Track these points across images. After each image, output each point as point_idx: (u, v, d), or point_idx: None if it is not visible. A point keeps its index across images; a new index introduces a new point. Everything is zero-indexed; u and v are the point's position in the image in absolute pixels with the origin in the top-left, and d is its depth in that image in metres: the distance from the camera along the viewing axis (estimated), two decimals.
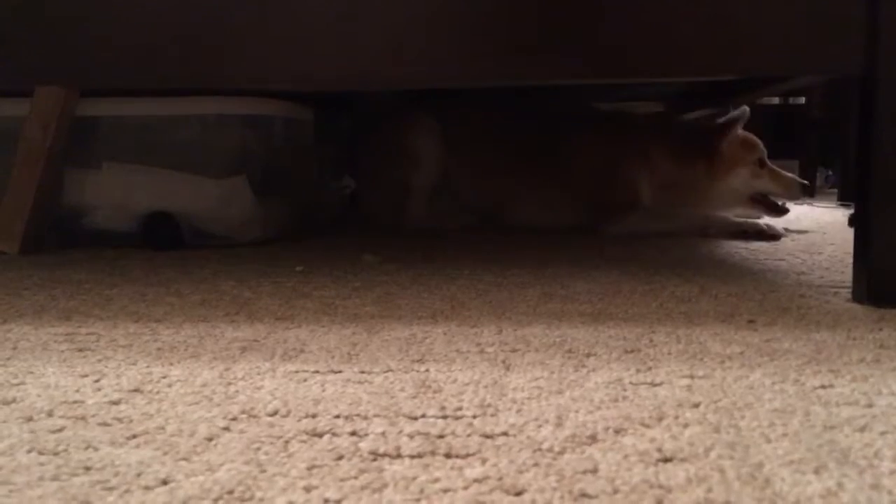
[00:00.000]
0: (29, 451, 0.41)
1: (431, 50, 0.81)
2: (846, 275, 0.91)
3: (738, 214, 1.56)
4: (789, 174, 1.59)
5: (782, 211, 1.56)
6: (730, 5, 0.78)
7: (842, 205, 2.23)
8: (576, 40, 0.79)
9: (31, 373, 0.56)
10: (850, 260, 0.82)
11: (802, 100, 3.00)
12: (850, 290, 0.82)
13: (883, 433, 0.42)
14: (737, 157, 1.52)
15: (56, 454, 0.41)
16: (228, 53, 0.82)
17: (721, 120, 1.55)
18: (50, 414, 0.47)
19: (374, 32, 0.80)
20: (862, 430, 0.43)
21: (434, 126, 1.61)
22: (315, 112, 1.52)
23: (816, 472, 0.37)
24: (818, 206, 2.28)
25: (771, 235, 1.41)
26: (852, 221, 1.70)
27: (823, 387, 0.51)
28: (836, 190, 2.67)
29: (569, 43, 0.79)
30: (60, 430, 0.44)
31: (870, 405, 0.47)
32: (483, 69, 0.82)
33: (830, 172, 3.07)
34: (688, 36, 0.79)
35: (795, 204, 2.38)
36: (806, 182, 1.61)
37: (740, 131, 1.55)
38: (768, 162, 1.56)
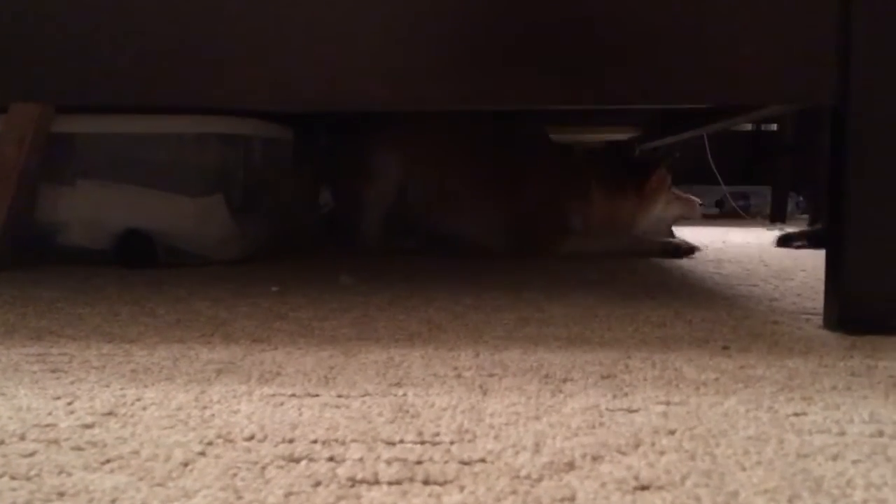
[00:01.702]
0: (1, 476, 0.40)
1: (410, 73, 0.82)
2: (817, 301, 0.92)
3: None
4: (688, 196, 1.82)
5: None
6: (704, 36, 0.79)
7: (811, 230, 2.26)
8: (553, 67, 0.80)
9: (3, 394, 0.55)
10: (821, 286, 0.84)
11: (775, 126, 3.05)
12: (821, 316, 0.83)
13: (855, 462, 0.43)
14: (659, 188, 1.70)
15: (28, 479, 0.40)
16: (207, 72, 0.82)
17: (652, 159, 1.76)
18: (22, 437, 0.46)
19: (356, 53, 0.80)
20: (835, 458, 0.43)
21: (394, 147, 1.64)
22: (294, 132, 1.52)
23: (790, 501, 0.38)
24: (789, 231, 2.30)
25: (687, 251, 1.58)
26: (781, 242, 1.87)
27: (797, 414, 0.51)
28: (806, 216, 2.70)
29: (546, 69, 0.80)
30: (32, 454, 0.44)
31: (842, 433, 0.48)
32: (461, 93, 0.83)
33: (801, 198, 3.11)
34: (662, 65, 0.80)
35: (767, 229, 2.41)
36: (700, 200, 1.86)
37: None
38: (674, 189, 1.77)
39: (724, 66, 0.80)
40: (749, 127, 3.29)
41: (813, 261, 1.50)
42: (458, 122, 1.65)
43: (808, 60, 0.79)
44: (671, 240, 1.67)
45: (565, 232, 1.60)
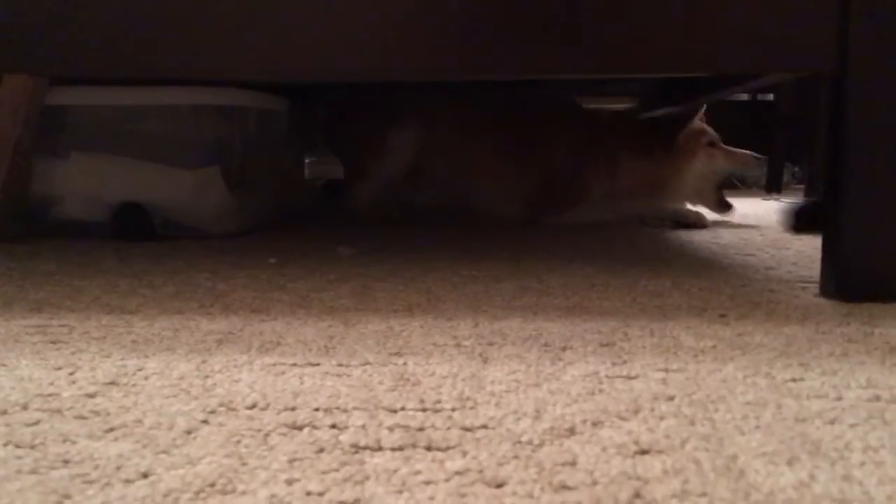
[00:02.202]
0: (5, 445, 0.40)
1: (408, 43, 0.81)
2: (813, 270, 0.92)
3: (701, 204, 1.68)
4: (741, 150, 1.68)
5: (729, 207, 1.69)
6: (702, 4, 0.79)
7: (809, 200, 2.26)
8: (553, 37, 0.80)
9: (4, 365, 0.55)
10: (817, 255, 0.84)
11: (771, 96, 3.04)
12: (817, 284, 0.84)
13: (852, 426, 0.43)
14: (691, 145, 1.62)
15: (33, 447, 0.40)
16: (204, 43, 0.81)
17: (676, 114, 1.65)
18: (25, 407, 0.46)
19: (357, 22, 0.79)
20: (832, 422, 0.44)
21: (416, 124, 1.62)
22: (289, 103, 1.51)
23: (789, 463, 0.38)
24: (786, 202, 2.31)
25: (703, 225, 1.56)
26: (795, 223, 1.62)
27: (794, 380, 0.52)
28: (802, 186, 2.71)
29: (546, 39, 0.80)
30: (36, 423, 0.44)
31: (839, 398, 0.48)
32: (458, 63, 0.82)
33: (797, 168, 3.11)
34: (661, 33, 0.79)
35: (764, 199, 2.42)
36: (759, 155, 1.71)
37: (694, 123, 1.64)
38: (720, 143, 1.65)
39: (722, 35, 0.79)
40: (745, 97, 3.28)
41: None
42: (477, 95, 1.61)
43: (807, 28, 0.78)
44: (683, 209, 1.62)
45: (577, 198, 1.58)
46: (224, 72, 0.86)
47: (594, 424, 0.43)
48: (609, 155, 1.59)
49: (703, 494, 0.35)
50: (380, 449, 0.40)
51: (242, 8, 0.80)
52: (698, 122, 1.64)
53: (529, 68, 0.85)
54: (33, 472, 0.37)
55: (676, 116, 1.65)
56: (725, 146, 1.65)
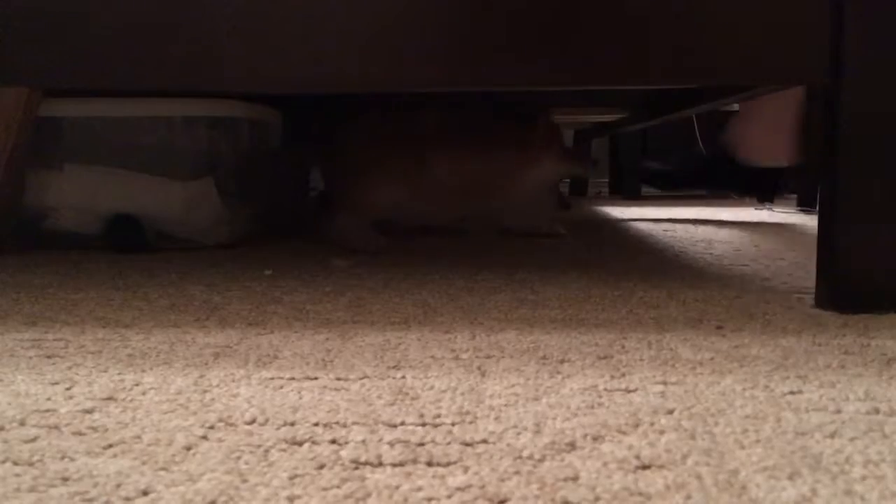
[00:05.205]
0: (3, 462, 0.40)
1: (396, 55, 0.81)
2: (808, 280, 0.93)
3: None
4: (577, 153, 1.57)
5: (567, 206, 1.58)
6: (693, 14, 0.79)
7: (801, 210, 2.28)
8: (543, 48, 0.80)
9: (0, 380, 0.55)
10: (812, 266, 0.84)
11: None
12: (812, 295, 0.84)
13: (852, 439, 0.43)
14: (546, 144, 1.43)
15: (31, 464, 0.40)
16: (198, 55, 0.81)
17: (532, 110, 1.45)
18: (22, 423, 0.46)
19: (345, 35, 0.80)
20: (832, 436, 0.44)
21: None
22: (283, 114, 1.51)
23: (791, 478, 0.38)
24: (778, 212, 2.32)
25: (560, 234, 1.45)
26: None
27: (793, 393, 0.52)
28: (794, 195, 2.72)
29: (536, 51, 0.80)
30: (34, 439, 0.43)
31: (838, 411, 0.48)
32: (450, 74, 0.82)
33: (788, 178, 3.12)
34: (651, 45, 0.80)
35: (756, 209, 2.42)
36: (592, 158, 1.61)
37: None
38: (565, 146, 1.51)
39: (713, 46, 0.79)
40: (736, 107, 3.29)
41: (802, 240, 1.51)
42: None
43: (801, 38, 0.78)
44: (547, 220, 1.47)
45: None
46: (216, 83, 0.86)
47: (595, 439, 0.43)
48: (414, 152, 1.35)
49: None
50: (380, 465, 0.40)
51: (231, 20, 0.80)
52: (554, 122, 1.46)
53: (520, 79, 0.85)
54: (32, 490, 0.37)
55: (533, 113, 1.43)
56: (567, 149, 1.50)
